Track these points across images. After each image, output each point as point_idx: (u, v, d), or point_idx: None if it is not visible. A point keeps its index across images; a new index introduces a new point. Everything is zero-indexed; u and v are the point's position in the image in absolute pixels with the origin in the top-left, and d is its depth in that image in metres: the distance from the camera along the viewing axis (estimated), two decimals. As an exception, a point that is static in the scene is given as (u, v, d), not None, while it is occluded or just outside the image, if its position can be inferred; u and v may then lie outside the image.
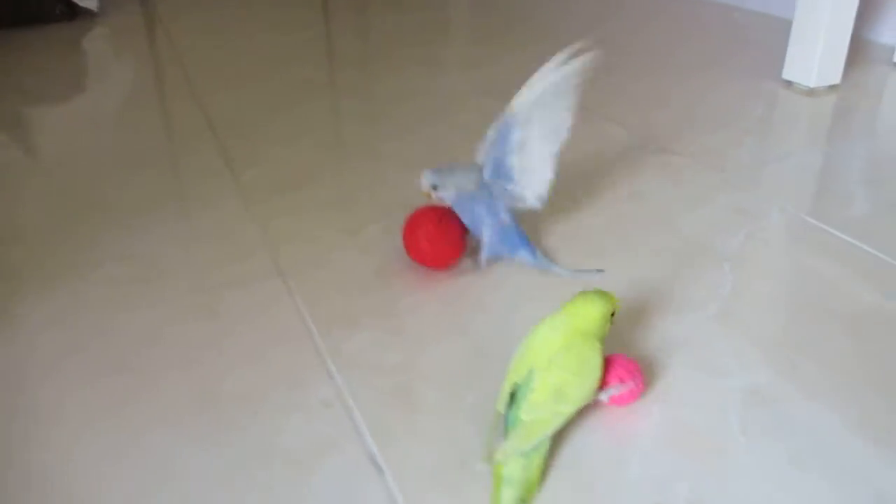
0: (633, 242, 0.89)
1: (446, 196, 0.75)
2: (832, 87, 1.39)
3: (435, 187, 0.75)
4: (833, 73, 1.39)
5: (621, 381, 0.62)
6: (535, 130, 0.72)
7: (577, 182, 1.02)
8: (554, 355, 0.59)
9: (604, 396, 0.62)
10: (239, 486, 0.57)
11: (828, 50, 1.35)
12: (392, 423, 0.63)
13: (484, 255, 0.78)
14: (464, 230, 0.79)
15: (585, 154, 1.12)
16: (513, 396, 0.59)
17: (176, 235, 0.94)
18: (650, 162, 1.10)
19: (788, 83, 1.41)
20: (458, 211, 0.76)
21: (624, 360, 0.63)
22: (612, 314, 0.63)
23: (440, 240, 0.77)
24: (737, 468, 0.58)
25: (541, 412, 0.57)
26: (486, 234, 0.76)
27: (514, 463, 0.56)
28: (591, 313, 0.62)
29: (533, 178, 0.76)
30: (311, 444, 0.61)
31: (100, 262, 0.88)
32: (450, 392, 0.66)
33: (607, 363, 0.62)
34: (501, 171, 0.75)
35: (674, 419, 0.62)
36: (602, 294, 0.63)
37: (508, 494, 0.54)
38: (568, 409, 0.58)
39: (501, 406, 0.60)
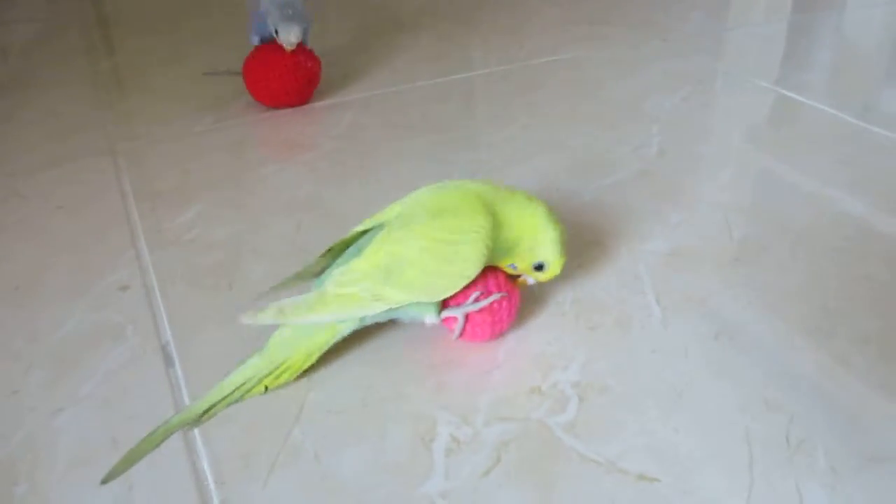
0: (553, 107, 0.74)
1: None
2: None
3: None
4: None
5: (487, 291, 0.42)
6: None
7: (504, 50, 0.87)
8: (416, 212, 0.41)
9: (456, 312, 0.42)
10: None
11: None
12: (198, 306, 0.48)
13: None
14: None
15: (521, 31, 0.96)
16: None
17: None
18: (584, 32, 0.94)
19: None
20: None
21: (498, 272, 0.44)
22: (541, 267, 0.43)
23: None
24: (648, 344, 0.43)
25: (356, 287, 0.40)
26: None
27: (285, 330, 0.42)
28: (519, 214, 0.42)
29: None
30: (92, 334, 0.46)
31: None
32: (276, 269, 0.50)
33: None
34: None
35: (575, 287, 0.48)
36: (556, 227, 0.42)
37: (251, 365, 0.41)
38: (396, 298, 0.40)
39: (319, 260, 0.44)
